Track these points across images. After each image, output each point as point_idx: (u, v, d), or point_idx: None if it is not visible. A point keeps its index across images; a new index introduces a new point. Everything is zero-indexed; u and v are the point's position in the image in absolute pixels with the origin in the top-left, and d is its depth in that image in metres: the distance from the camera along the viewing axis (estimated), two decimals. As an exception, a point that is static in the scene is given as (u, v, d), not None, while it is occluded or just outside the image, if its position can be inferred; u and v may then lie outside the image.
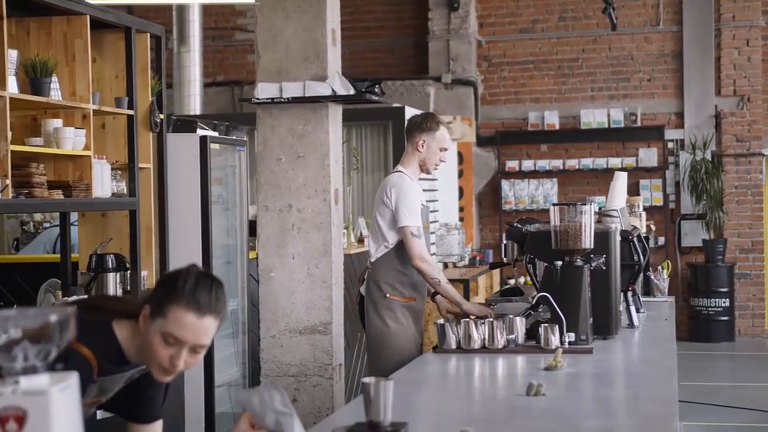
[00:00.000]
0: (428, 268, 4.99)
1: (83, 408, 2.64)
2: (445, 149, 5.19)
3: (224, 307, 2.63)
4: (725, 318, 11.90)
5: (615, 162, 12.21)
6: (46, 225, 8.06)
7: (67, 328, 1.78)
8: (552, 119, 12.50)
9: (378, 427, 2.70)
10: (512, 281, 10.10)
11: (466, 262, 10.12)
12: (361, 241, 8.46)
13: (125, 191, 5.49)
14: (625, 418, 3.05)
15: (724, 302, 11.86)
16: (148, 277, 5.76)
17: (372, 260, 5.18)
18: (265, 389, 2.38)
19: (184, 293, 2.54)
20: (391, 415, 2.71)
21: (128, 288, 5.51)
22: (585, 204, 4.33)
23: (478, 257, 10.50)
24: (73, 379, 1.78)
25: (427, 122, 5.18)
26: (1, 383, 1.71)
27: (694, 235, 12.22)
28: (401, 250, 5.09)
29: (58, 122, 4.93)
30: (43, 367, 1.76)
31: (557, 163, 12.44)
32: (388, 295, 5.08)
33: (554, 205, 4.35)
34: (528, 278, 5.76)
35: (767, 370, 10.62)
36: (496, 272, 10.72)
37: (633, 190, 12.01)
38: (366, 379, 2.72)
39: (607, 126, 12.36)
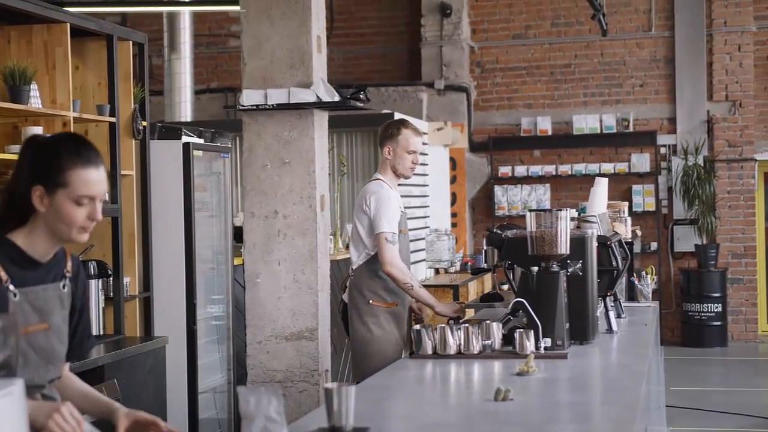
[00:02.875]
0: (398, 274, 5.05)
1: (28, 337, 2.61)
2: (413, 152, 5.24)
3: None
4: (718, 323, 11.90)
5: (608, 167, 12.22)
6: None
7: (11, 335, 1.80)
8: (545, 125, 12.52)
9: (339, 432, 2.73)
10: (505, 287, 10.10)
11: (458, 267, 10.12)
12: (348, 247, 8.47)
13: (107, 198, 5.51)
14: (588, 422, 3.06)
15: (717, 307, 11.87)
16: (131, 283, 5.77)
17: (354, 267, 5.25)
18: (266, 392, 2.39)
19: (76, 156, 2.64)
20: (353, 420, 2.73)
21: (111, 295, 5.53)
22: (561, 210, 4.34)
23: (470, 263, 10.50)
24: (16, 386, 1.79)
25: (388, 129, 5.28)
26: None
27: (686, 240, 12.23)
28: None
29: (38, 130, 4.95)
30: (-14, 373, 1.78)
31: (550, 169, 12.46)
32: (371, 301, 5.14)
33: (530, 210, 4.37)
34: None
35: (759, 376, 10.62)
36: (488, 278, 10.72)
37: (625, 195, 12.04)
38: (328, 385, 2.75)
39: (599, 131, 12.38)
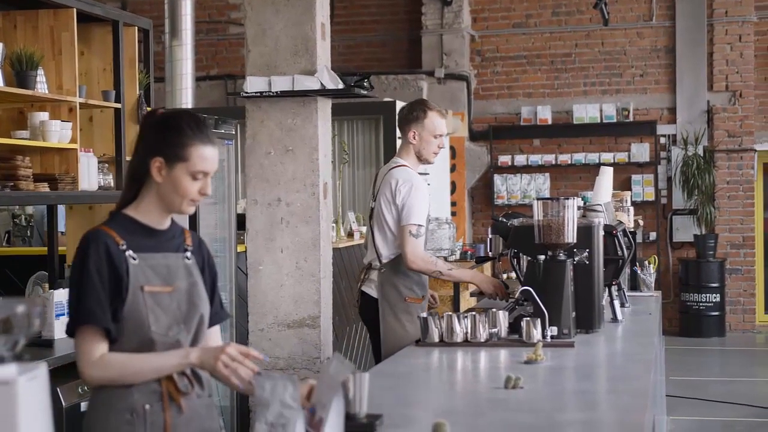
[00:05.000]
0: (424, 266, 4.89)
1: (153, 296, 2.72)
2: (440, 135, 5.04)
3: None
4: (716, 313, 11.93)
5: (607, 157, 12.23)
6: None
7: (35, 319, 1.80)
8: (545, 114, 12.52)
9: (353, 418, 2.73)
10: (505, 276, 10.10)
11: (457, 256, 10.13)
12: (350, 235, 8.47)
13: (112, 184, 5.50)
14: (597, 411, 3.07)
15: (715, 297, 11.90)
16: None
17: (384, 261, 5.02)
18: (282, 378, 2.40)
19: (197, 134, 2.78)
20: (366, 407, 2.74)
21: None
22: (568, 199, 4.34)
23: (469, 251, 10.51)
24: (41, 369, 1.79)
25: (413, 112, 5.05)
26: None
27: (685, 230, 12.25)
28: None
29: (44, 115, 4.94)
30: (11, 357, 1.78)
31: (549, 158, 12.47)
32: (407, 298, 4.99)
33: (538, 199, 4.36)
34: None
35: (757, 365, 10.66)
36: (488, 266, 10.74)
37: (625, 185, 12.05)
38: (342, 372, 2.74)
39: (599, 121, 12.38)
